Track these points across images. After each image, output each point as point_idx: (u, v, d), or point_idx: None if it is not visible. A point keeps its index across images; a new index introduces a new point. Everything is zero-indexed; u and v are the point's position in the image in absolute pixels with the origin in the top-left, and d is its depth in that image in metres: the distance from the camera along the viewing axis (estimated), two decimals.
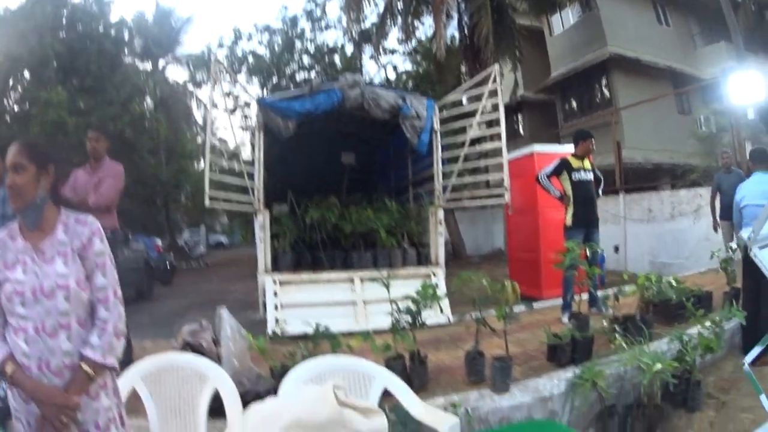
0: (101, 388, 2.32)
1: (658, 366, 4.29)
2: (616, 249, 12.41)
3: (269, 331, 6.44)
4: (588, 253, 6.36)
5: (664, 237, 11.95)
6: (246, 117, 17.69)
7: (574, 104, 24.26)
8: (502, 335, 4.81)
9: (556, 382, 4.72)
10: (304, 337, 4.97)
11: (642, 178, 15.46)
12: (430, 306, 4.87)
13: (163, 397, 3.24)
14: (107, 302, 2.28)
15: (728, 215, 7.98)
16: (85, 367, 2.18)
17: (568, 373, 4.77)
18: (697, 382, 4.72)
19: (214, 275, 20.95)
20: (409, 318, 4.89)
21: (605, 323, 5.49)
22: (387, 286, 5.20)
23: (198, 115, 31.01)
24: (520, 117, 25.45)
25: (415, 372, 4.89)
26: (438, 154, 9.02)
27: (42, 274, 2.17)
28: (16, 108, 23.28)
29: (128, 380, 3.17)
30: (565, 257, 5.91)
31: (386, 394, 3.18)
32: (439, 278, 8.16)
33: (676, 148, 18.10)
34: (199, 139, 29.91)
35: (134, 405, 3.35)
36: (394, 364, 4.83)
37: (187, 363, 3.37)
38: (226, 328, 5.00)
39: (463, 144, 9.05)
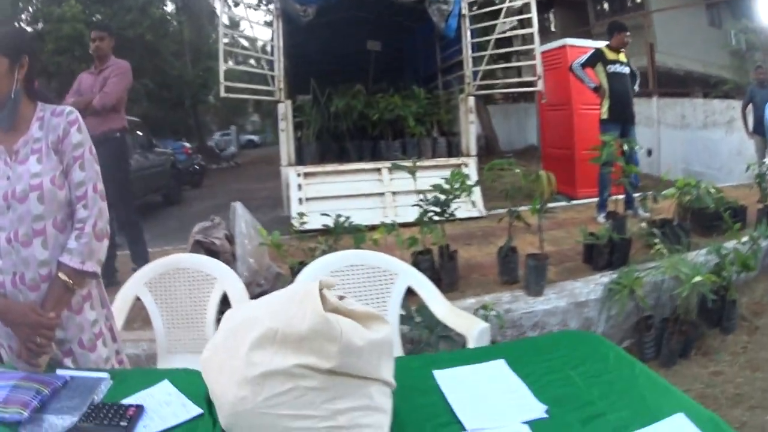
0: (84, 300, 2.09)
1: (698, 278, 4.05)
2: (650, 152, 11.99)
3: (293, 226, 6.04)
4: (624, 148, 6.07)
5: (697, 145, 11.56)
6: (269, 11, 16.92)
7: (606, 4, 23.10)
8: (537, 231, 4.52)
9: (592, 286, 4.50)
10: (328, 232, 4.67)
11: (673, 84, 14.90)
12: (460, 195, 4.50)
13: (168, 304, 2.95)
14: (85, 199, 2.02)
15: (761, 130, 8.12)
16: (62, 276, 1.94)
17: (605, 278, 4.57)
18: (732, 301, 4.53)
19: (245, 174, 20.99)
20: (437, 209, 4.52)
21: (644, 225, 5.26)
22: (413, 173, 4.83)
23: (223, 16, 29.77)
24: (551, 14, 24.34)
25: (444, 269, 4.60)
26: (467, 40, 8.40)
27: (15, 176, 1.93)
28: (29, 29, 22.44)
29: (131, 289, 2.92)
30: (601, 152, 5.59)
31: (411, 294, 2.82)
32: (470, 169, 7.80)
33: (707, 59, 17.29)
34: (226, 40, 28.97)
35: (139, 315, 3.15)
36: (421, 259, 4.53)
37: (193, 264, 3.01)
38: (241, 223, 4.70)
39: (493, 29, 8.58)
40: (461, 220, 5.78)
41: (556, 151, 10.29)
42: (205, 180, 18.97)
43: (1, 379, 1.64)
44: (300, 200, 7.36)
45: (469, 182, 4.60)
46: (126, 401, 1.63)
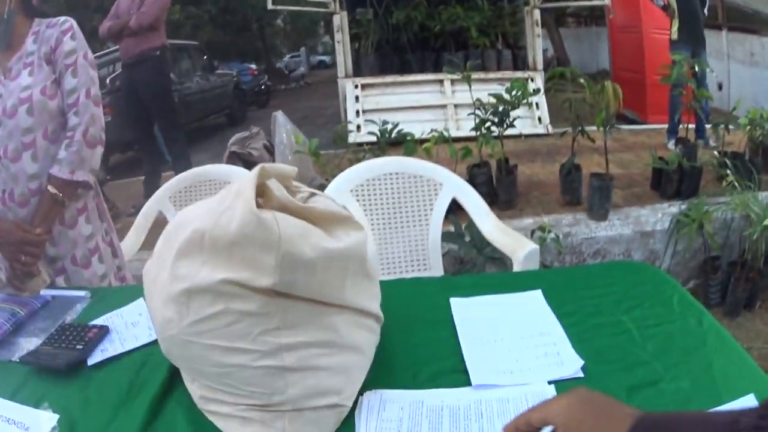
0: (79, 213, 1.98)
1: None
2: (720, 86, 11.36)
3: (351, 138, 5.88)
4: (696, 70, 5.72)
5: (766, 85, 10.66)
6: None
7: None
8: (603, 151, 4.17)
9: (660, 215, 4.17)
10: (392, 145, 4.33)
11: (741, 21, 13.85)
12: (519, 104, 4.11)
13: None
14: (77, 105, 1.90)
15: None
16: (51, 189, 1.84)
17: (674, 208, 4.22)
18: None
19: (314, 93, 21.01)
20: (494, 119, 4.15)
21: (716, 153, 4.86)
22: (468, 80, 4.47)
23: None
24: None
25: (501, 184, 4.28)
26: None
27: (6, 93, 1.85)
28: None
29: (154, 204, 2.74)
30: (671, 71, 5.16)
31: (459, 210, 2.45)
32: (537, 83, 7.35)
33: None
34: None
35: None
36: (476, 172, 4.24)
37: (221, 176, 2.78)
38: (281, 133, 4.42)
39: None
40: (526, 136, 5.57)
41: (627, 74, 9.72)
42: (272, 100, 18.77)
43: None
44: (357, 112, 7.09)
45: (530, 89, 4.28)
46: (96, 321, 1.49)
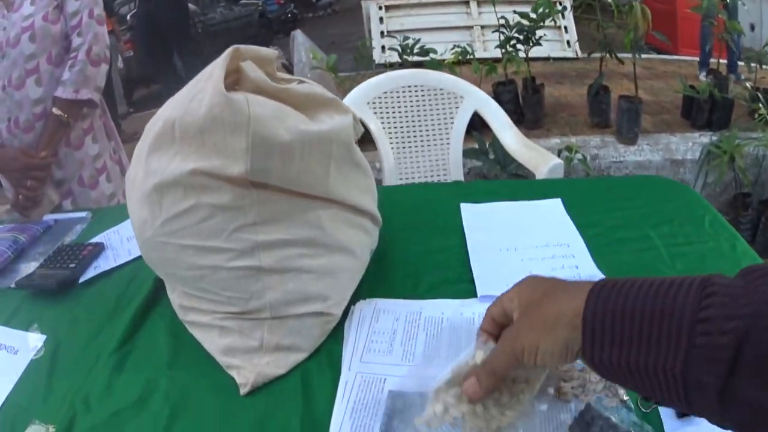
0: (86, 133, 1.94)
1: None
2: (753, 27, 10.68)
3: (375, 60, 5.60)
4: (727, 1, 5.21)
5: None
6: None
7: None
8: (632, 77, 3.96)
9: (690, 144, 3.97)
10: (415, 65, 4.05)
11: None
12: (544, 21, 3.92)
13: None
14: (80, 26, 1.84)
15: None
16: (55, 111, 1.81)
17: (704, 138, 4.01)
18: None
19: (341, 20, 20.38)
20: (519, 36, 3.94)
21: (748, 86, 4.50)
22: (494, 1, 4.18)
23: None
24: None
25: (528, 103, 4.09)
26: None
27: (9, 25, 1.81)
28: None
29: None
30: (702, 1, 4.75)
31: (484, 127, 2.33)
32: (565, 3, 6.78)
33: None
34: None
35: None
36: (502, 90, 4.05)
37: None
38: (300, 52, 4.24)
39: None
40: (554, 59, 5.35)
41: (658, 5, 9.25)
42: (300, 28, 18.27)
43: None
44: (382, 33, 6.70)
45: (556, 7, 3.92)
46: (94, 240, 1.42)
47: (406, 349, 0.92)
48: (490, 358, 0.62)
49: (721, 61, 5.61)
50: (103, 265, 1.31)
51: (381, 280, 1.09)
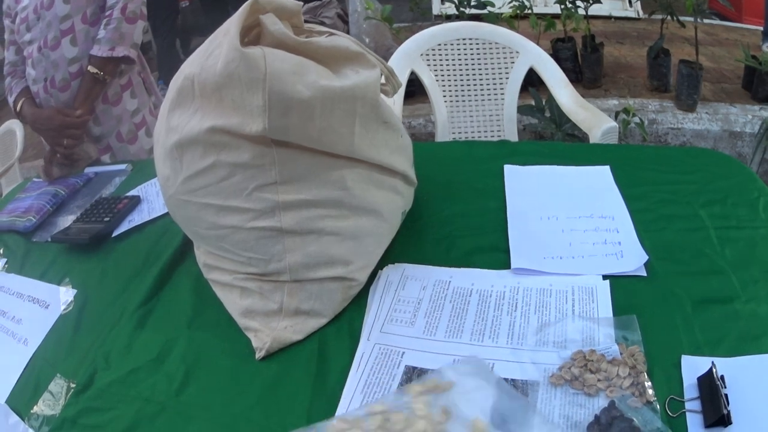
0: (123, 89, 1.90)
1: None
2: None
3: (433, 12, 5.30)
4: None
5: None
6: None
7: None
8: (693, 42, 3.68)
9: (750, 117, 3.72)
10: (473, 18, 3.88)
11: None
12: None
13: None
14: None
15: None
16: (91, 69, 1.76)
17: (765, 112, 3.74)
18: None
19: None
20: None
21: None
22: None
23: None
24: None
25: (587, 61, 3.89)
26: None
27: None
28: None
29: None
30: None
31: (542, 85, 2.15)
32: None
33: None
34: None
35: None
36: (560, 47, 3.86)
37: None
38: (355, 1, 4.10)
39: None
40: (615, 18, 5.07)
41: None
42: None
43: (32, 189, 1.59)
44: None
45: None
46: (131, 192, 1.41)
47: (429, 321, 0.86)
48: None
49: None
50: (137, 219, 1.29)
51: (412, 243, 1.03)
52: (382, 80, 0.96)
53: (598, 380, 0.73)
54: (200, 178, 0.86)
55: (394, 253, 1.00)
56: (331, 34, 0.93)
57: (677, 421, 0.69)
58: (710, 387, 0.70)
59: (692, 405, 0.71)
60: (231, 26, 0.80)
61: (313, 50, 0.84)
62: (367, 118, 0.86)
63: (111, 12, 1.77)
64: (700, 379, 0.73)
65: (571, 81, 2.06)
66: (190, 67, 0.86)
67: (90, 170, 1.64)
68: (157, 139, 0.95)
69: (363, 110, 0.85)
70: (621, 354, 0.76)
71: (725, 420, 0.67)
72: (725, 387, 0.69)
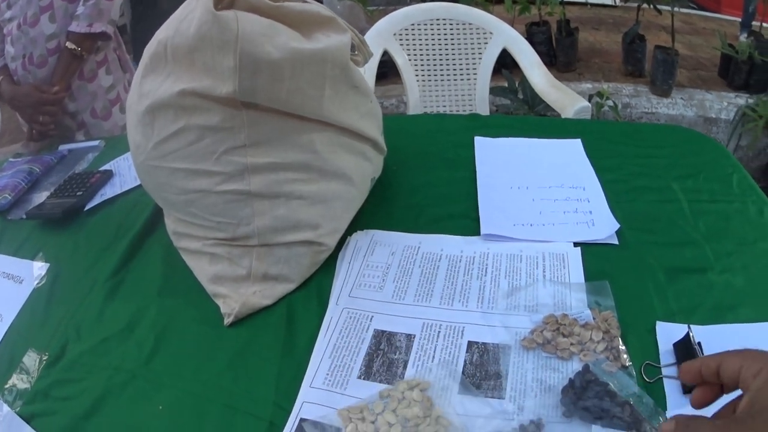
0: (99, 66, 1.89)
1: None
2: None
3: None
4: None
5: None
6: None
7: None
8: (670, 30, 3.71)
9: (725, 104, 3.74)
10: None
11: None
12: None
13: None
14: None
15: None
16: (69, 45, 1.76)
17: (740, 100, 3.77)
18: None
19: None
20: None
21: None
22: None
23: None
24: None
25: (561, 45, 3.90)
26: None
27: None
28: None
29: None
30: None
31: (516, 67, 2.16)
32: None
33: None
34: None
35: None
36: (535, 31, 3.86)
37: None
38: None
39: None
40: (592, 5, 5.06)
41: None
42: None
43: (8, 169, 1.54)
44: None
45: None
46: (104, 167, 1.40)
47: (398, 285, 0.85)
48: (700, 426, 0.51)
49: (764, 24, 5.40)
50: (109, 192, 1.27)
51: (382, 210, 1.02)
52: (354, 50, 0.94)
53: (571, 344, 0.72)
54: (170, 143, 0.84)
55: (363, 220, 0.99)
56: (304, 1, 0.91)
57: (654, 387, 0.68)
58: (687, 352, 0.70)
59: (669, 371, 0.70)
60: None
61: (285, 14, 0.82)
62: (336, 80, 0.85)
63: None
64: (676, 344, 0.72)
65: (545, 65, 2.06)
66: (164, 32, 0.84)
67: (64, 147, 1.63)
68: (129, 106, 0.93)
69: (333, 73, 0.83)
70: (594, 319, 0.75)
71: None
72: (703, 353, 0.69)
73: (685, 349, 0.70)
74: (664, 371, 0.70)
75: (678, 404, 0.66)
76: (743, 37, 5.33)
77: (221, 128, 0.81)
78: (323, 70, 0.82)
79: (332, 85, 0.84)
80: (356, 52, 0.96)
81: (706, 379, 0.54)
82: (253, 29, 0.76)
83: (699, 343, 0.70)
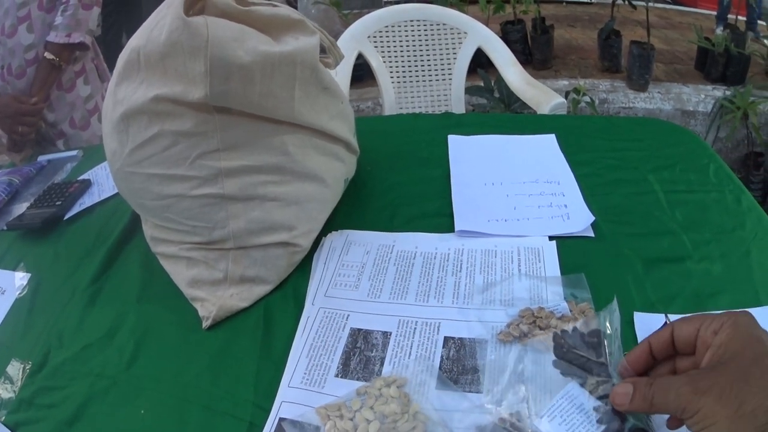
0: (77, 75, 1.90)
1: None
2: None
3: None
4: None
5: None
6: None
7: None
8: (645, 25, 3.72)
9: (702, 97, 3.77)
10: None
11: None
12: None
13: None
14: None
15: None
16: (48, 56, 1.76)
17: (718, 92, 3.82)
18: None
19: None
20: None
21: (766, 43, 4.34)
22: None
23: None
24: None
25: (537, 43, 3.91)
26: None
27: None
28: None
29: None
30: None
31: (490, 66, 2.18)
32: None
33: None
34: None
35: None
36: (510, 29, 3.87)
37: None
38: None
39: None
40: (567, 2, 5.14)
41: None
42: None
43: None
44: None
45: None
46: (83, 177, 1.39)
47: (373, 284, 0.85)
48: (661, 387, 0.52)
49: (739, 18, 5.42)
50: (87, 201, 1.27)
51: (356, 210, 1.03)
52: (326, 53, 0.95)
53: (547, 337, 0.72)
54: (145, 149, 0.84)
55: (338, 221, 0.99)
56: (274, 5, 0.91)
57: None
58: None
59: None
60: (173, 3, 0.78)
61: (254, 18, 0.83)
62: (306, 82, 0.85)
63: None
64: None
65: (521, 63, 2.08)
66: (136, 40, 0.85)
67: (43, 158, 1.62)
68: (105, 114, 0.93)
69: (302, 74, 0.84)
70: (570, 311, 0.75)
71: None
72: None
73: None
74: None
75: None
76: (719, 30, 5.36)
77: (194, 133, 0.81)
78: (293, 72, 0.82)
79: (302, 87, 0.84)
80: (327, 55, 0.97)
81: (656, 356, 0.55)
82: (223, 34, 0.76)
83: None
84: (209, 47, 0.75)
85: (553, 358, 0.68)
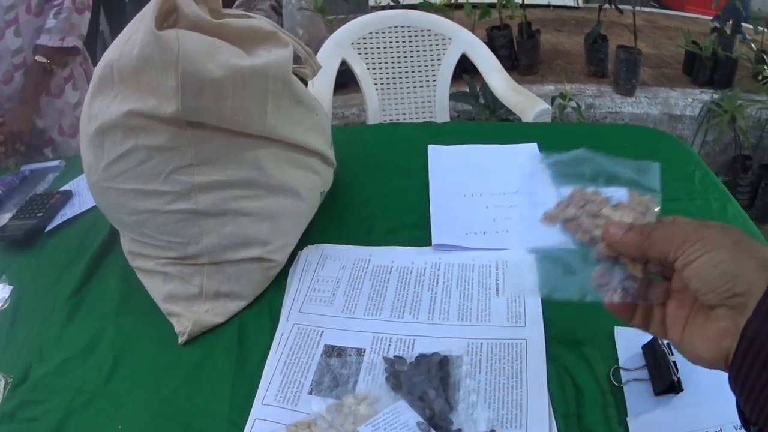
0: (66, 81, 1.87)
1: None
2: None
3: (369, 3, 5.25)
4: None
5: None
6: None
7: None
8: (633, 29, 3.70)
9: (690, 101, 3.74)
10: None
11: None
12: None
13: None
14: None
15: None
16: (39, 59, 1.73)
17: (705, 96, 3.79)
18: None
19: None
20: None
21: (753, 47, 4.24)
22: None
23: None
24: None
25: (523, 48, 3.86)
26: None
27: None
28: None
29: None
30: None
31: (475, 72, 2.15)
32: None
33: None
34: None
35: None
36: (496, 34, 3.81)
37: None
38: None
39: None
40: (554, 7, 5.07)
41: None
42: None
43: None
44: None
45: None
46: (64, 187, 1.37)
47: (348, 299, 0.85)
48: (656, 231, 0.51)
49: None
50: (69, 212, 1.26)
51: (333, 223, 1.02)
52: (301, 63, 0.94)
53: (597, 227, 0.57)
54: (120, 163, 0.83)
55: (314, 235, 0.98)
56: (249, 16, 0.90)
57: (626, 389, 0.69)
58: (655, 355, 0.69)
59: (639, 374, 0.70)
60: (147, 11, 0.78)
61: (227, 31, 0.82)
62: (279, 95, 0.84)
63: (61, 2, 1.73)
64: (644, 347, 0.71)
65: (507, 68, 2.06)
66: (110, 53, 0.84)
67: (26, 168, 1.61)
68: (81, 128, 0.92)
69: (275, 88, 0.83)
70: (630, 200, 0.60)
71: (675, 387, 0.65)
72: (672, 353, 0.68)
73: (653, 351, 0.70)
74: (634, 375, 0.70)
75: (640, 409, 0.66)
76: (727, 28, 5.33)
77: (168, 148, 0.80)
78: (265, 86, 0.81)
79: (275, 100, 0.83)
80: (304, 65, 0.96)
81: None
82: (194, 48, 0.75)
83: (668, 344, 0.68)
84: (180, 62, 0.74)
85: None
